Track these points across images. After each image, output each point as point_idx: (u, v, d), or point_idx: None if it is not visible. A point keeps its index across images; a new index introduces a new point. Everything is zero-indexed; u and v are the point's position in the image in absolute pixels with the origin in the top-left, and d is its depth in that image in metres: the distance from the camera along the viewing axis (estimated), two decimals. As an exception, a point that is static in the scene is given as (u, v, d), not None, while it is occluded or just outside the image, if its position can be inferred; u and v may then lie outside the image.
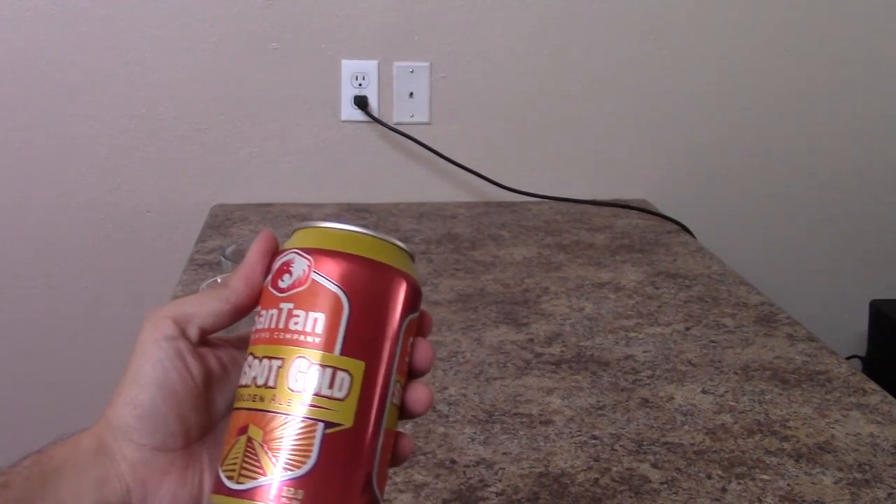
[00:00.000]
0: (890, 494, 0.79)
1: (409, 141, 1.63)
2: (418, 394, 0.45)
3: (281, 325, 0.42)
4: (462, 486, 0.80)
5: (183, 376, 0.44)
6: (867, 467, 0.83)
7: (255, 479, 0.40)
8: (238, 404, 0.43)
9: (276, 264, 0.44)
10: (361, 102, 1.62)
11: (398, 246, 0.45)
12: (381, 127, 1.64)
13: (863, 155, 1.77)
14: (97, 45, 1.56)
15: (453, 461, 0.83)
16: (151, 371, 0.43)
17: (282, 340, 0.42)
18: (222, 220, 1.55)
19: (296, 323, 0.42)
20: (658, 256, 1.41)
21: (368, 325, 0.42)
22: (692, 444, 0.87)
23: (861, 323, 1.74)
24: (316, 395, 0.41)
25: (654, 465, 0.83)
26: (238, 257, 0.90)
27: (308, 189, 1.66)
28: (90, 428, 0.45)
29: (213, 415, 0.46)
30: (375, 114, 1.64)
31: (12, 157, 1.59)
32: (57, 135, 1.59)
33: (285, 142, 1.64)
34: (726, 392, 0.98)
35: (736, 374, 1.02)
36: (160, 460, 0.44)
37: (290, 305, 0.42)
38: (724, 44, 1.68)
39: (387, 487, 0.80)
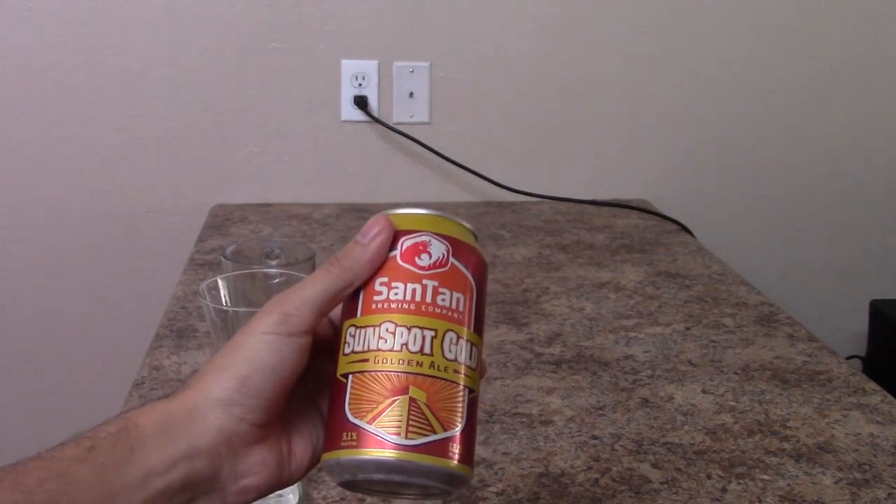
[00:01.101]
0: (890, 494, 0.79)
1: (409, 141, 1.63)
2: (484, 365, 0.50)
3: (429, 300, 0.46)
4: (462, 486, 0.80)
5: (297, 368, 0.46)
6: (867, 467, 0.83)
7: (425, 435, 0.44)
8: (383, 366, 0.45)
9: (408, 242, 0.48)
10: (361, 102, 1.62)
11: (476, 234, 0.52)
12: (381, 127, 1.64)
13: (863, 155, 1.77)
14: (97, 45, 1.56)
15: (453, 461, 0.83)
16: (269, 359, 0.44)
17: (432, 314, 0.46)
18: (222, 220, 1.55)
19: (443, 300, 0.47)
20: (658, 256, 1.41)
21: (481, 306, 0.49)
22: (692, 444, 0.87)
23: (861, 323, 1.74)
24: (465, 364, 0.47)
25: (654, 465, 0.83)
26: (238, 257, 0.90)
27: (308, 189, 1.66)
28: (175, 396, 0.45)
29: (297, 397, 0.48)
30: (375, 114, 1.64)
31: (12, 157, 1.59)
32: (57, 135, 1.59)
33: (285, 142, 1.64)
34: (726, 392, 0.98)
35: (736, 374, 1.02)
36: (255, 432, 0.45)
37: (436, 283, 0.47)
38: (724, 44, 1.68)
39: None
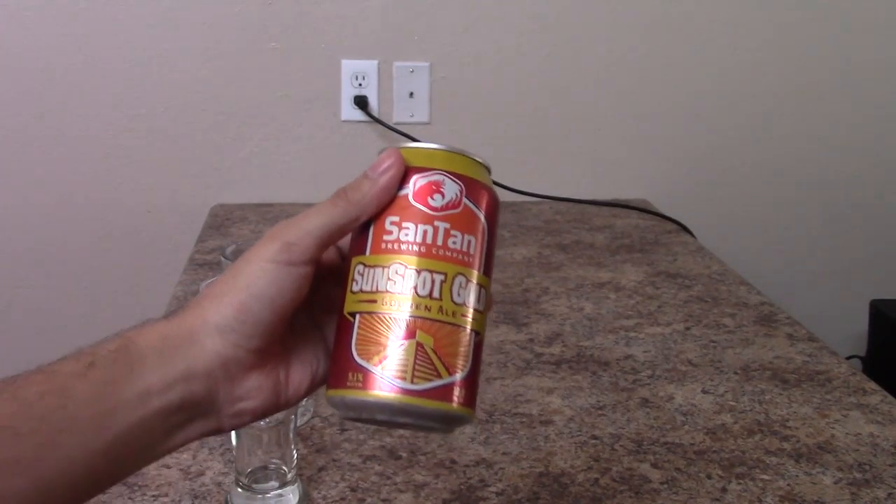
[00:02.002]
0: (890, 494, 0.79)
1: (410, 141, 1.63)
2: (490, 300, 0.50)
3: (440, 243, 0.46)
4: (462, 486, 0.80)
5: (296, 298, 0.45)
6: (867, 467, 0.83)
7: (430, 380, 0.45)
8: (391, 309, 0.45)
9: (420, 181, 0.47)
10: (361, 102, 1.62)
11: (490, 168, 0.50)
12: (381, 127, 1.64)
13: (863, 155, 1.77)
14: (97, 45, 1.56)
15: (453, 461, 0.83)
16: (268, 288, 0.44)
17: (442, 257, 0.46)
18: (222, 220, 1.55)
19: (454, 243, 0.46)
20: (658, 256, 1.41)
21: (492, 248, 0.49)
22: (692, 444, 0.87)
23: (861, 323, 1.74)
24: (473, 308, 0.47)
25: (654, 465, 0.83)
26: (238, 257, 0.90)
27: (308, 189, 1.66)
28: (174, 317, 0.45)
29: (300, 322, 0.48)
30: (375, 114, 1.64)
31: (12, 157, 1.59)
32: (57, 135, 1.59)
33: (285, 142, 1.64)
34: (726, 392, 0.98)
35: (736, 374, 1.02)
36: (252, 358, 0.45)
37: (447, 225, 0.46)
38: (724, 44, 1.68)
39: (386, 488, 0.80)
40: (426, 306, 0.45)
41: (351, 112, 1.63)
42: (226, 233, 1.49)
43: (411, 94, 1.64)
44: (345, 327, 0.46)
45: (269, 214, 1.58)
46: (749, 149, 1.74)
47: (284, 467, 0.75)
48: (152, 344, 0.44)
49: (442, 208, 0.46)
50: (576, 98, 1.68)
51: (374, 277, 0.46)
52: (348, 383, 0.45)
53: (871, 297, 1.72)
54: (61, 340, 1.67)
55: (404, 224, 0.46)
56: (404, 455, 0.84)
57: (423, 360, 0.44)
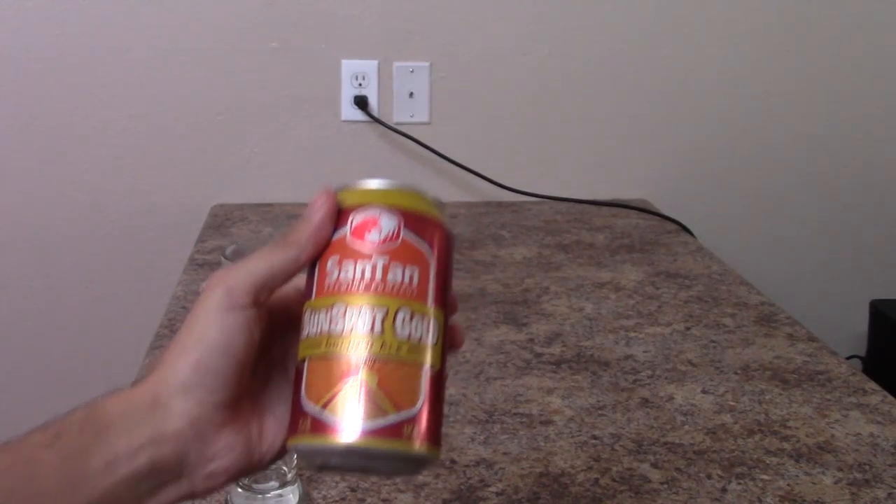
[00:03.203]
0: (890, 494, 0.79)
1: (409, 141, 1.63)
2: (457, 334, 0.49)
3: (378, 278, 0.45)
4: (462, 486, 0.80)
5: (248, 342, 0.45)
6: (867, 467, 0.83)
7: (377, 418, 0.43)
8: (335, 350, 0.45)
9: (356, 219, 0.47)
10: (361, 102, 1.62)
11: (441, 204, 0.50)
12: (381, 127, 1.64)
13: (863, 155, 1.77)
14: (97, 45, 1.56)
15: (453, 461, 0.83)
16: (219, 336, 0.44)
17: (383, 292, 0.45)
18: (222, 220, 1.55)
19: (394, 276, 0.45)
20: (658, 256, 1.41)
21: (444, 278, 0.48)
22: (692, 444, 0.87)
23: (861, 323, 1.74)
24: (419, 341, 0.45)
25: (654, 465, 0.83)
26: (238, 257, 0.90)
27: (308, 189, 1.64)
28: (139, 384, 0.45)
29: (267, 365, 0.48)
30: (375, 114, 1.64)
31: (12, 157, 1.59)
32: (57, 135, 1.59)
33: (285, 142, 1.64)
34: (726, 392, 0.98)
35: (736, 374, 1.02)
36: (219, 414, 0.45)
37: (386, 259, 0.46)
38: (724, 44, 1.68)
39: (386, 488, 0.80)
40: (369, 343, 0.44)
41: (351, 112, 1.63)
42: (226, 233, 1.49)
43: (411, 94, 1.64)
44: (297, 375, 0.46)
45: (269, 214, 1.58)
46: (749, 149, 1.74)
47: (284, 467, 0.75)
48: (119, 410, 0.44)
49: (380, 243, 0.46)
50: (576, 98, 1.67)
51: (318, 321, 0.45)
52: (298, 430, 0.45)
53: (871, 297, 1.72)
54: (61, 340, 1.67)
55: (344, 263, 0.46)
56: (404, 455, 0.84)
57: (369, 398, 0.43)
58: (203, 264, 1.34)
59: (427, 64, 1.63)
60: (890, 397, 0.97)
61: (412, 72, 1.63)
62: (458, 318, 0.49)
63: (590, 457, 0.85)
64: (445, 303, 0.47)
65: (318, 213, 0.47)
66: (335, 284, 0.46)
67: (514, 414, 0.92)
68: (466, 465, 0.83)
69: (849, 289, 1.81)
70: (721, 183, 1.74)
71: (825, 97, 1.73)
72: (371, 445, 0.43)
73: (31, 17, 1.54)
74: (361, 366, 0.44)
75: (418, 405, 0.44)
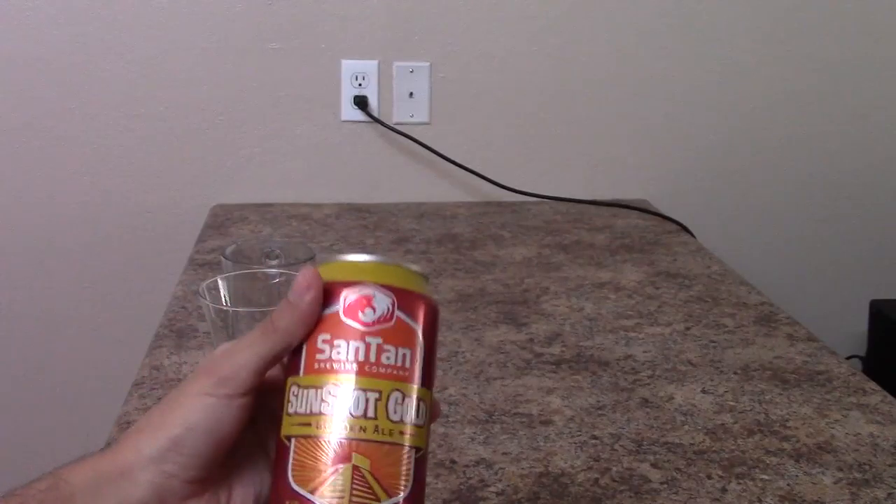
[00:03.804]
0: (890, 494, 0.79)
1: (409, 141, 1.63)
2: (436, 405, 0.49)
3: (372, 359, 0.44)
4: (462, 486, 0.80)
5: (232, 429, 0.45)
6: (867, 467, 0.83)
7: None
8: (325, 432, 0.44)
9: (350, 296, 0.46)
10: (361, 102, 1.62)
11: (428, 278, 0.49)
12: (381, 127, 1.64)
13: (863, 155, 1.77)
14: (97, 45, 1.56)
15: (453, 461, 0.83)
16: (204, 421, 0.44)
17: (376, 374, 0.44)
18: (222, 220, 1.55)
19: (388, 358, 0.45)
20: (658, 256, 1.41)
21: (431, 357, 0.47)
22: (692, 444, 0.87)
23: (861, 323, 1.74)
24: (410, 424, 0.45)
25: (654, 465, 0.83)
26: (238, 257, 0.90)
27: (308, 189, 1.66)
28: (107, 451, 0.45)
29: (243, 442, 0.47)
30: (375, 114, 1.64)
31: (12, 157, 1.59)
32: (57, 135, 1.59)
33: (285, 142, 1.64)
34: (726, 392, 0.98)
35: (736, 374, 1.02)
36: (188, 488, 0.44)
37: (380, 340, 0.45)
38: (724, 44, 1.68)
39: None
40: (361, 427, 0.43)
41: (351, 112, 1.63)
42: (226, 233, 1.49)
43: (411, 94, 1.64)
44: (282, 452, 0.45)
45: (269, 214, 1.58)
46: (749, 149, 1.74)
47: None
48: (84, 480, 0.43)
49: (373, 323, 0.45)
50: (576, 98, 1.67)
51: (307, 399, 0.44)
52: None
53: (871, 297, 1.72)
54: (61, 340, 1.67)
55: (335, 342, 0.45)
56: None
57: (360, 483, 0.43)
58: (203, 264, 1.34)
59: (427, 64, 1.63)
60: (890, 397, 0.97)
61: (412, 72, 1.63)
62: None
63: (590, 457, 0.85)
64: (433, 382, 0.47)
65: (306, 297, 0.45)
66: (326, 363, 0.45)
67: (514, 414, 0.92)
68: (466, 465, 0.83)
69: (849, 289, 1.81)
70: (721, 183, 1.74)
71: (825, 97, 1.73)
72: None
73: (31, 17, 1.54)
74: (353, 450, 0.43)
75: (407, 490, 0.44)
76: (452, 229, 1.53)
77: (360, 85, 1.63)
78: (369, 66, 1.62)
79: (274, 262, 0.92)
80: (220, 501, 0.46)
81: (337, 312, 0.45)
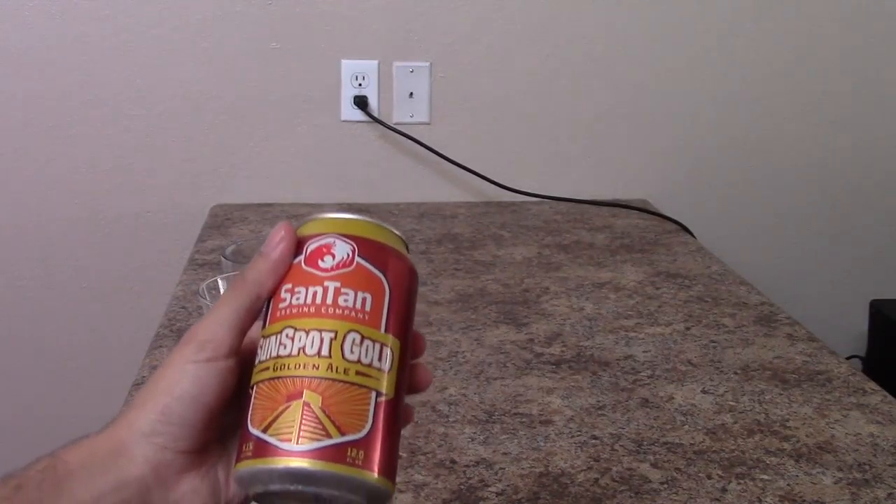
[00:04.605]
0: (890, 494, 0.79)
1: (409, 141, 1.63)
2: (422, 373, 0.48)
3: (329, 301, 0.45)
4: (462, 486, 0.80)
5: (221, 392, 0.45)
6: (867, 467, 0.83)
7: (319, 440, 0.42)
8: (281, 372, 0.44)
9: (312, 246, 0.47)
10: (361, 102, 1.62)
11: (404, 239, 0.49)
12: (381, 127, 1.64)
13: (863, 155, 1.77)
14: (97, 46, 1.56)
15: (453, 461, 0.84)
16: (189, 387, 0.44)
17: (332, 315, 0.44)
18: (222, 220, 1.55)
19: (345, 300, 0.45)
20: (658, 256, 1.41)
21: (402, 308, 0.47)
22: (692, 444, 0.87)
23: (861, 323, 1.74)
24: (369, 365, 0.44)
25: (654, 465, 0.83)
26: (238, 257, 0.90)
27: (308, 189, 1.66)
28: (103, 430, 0.45)
29: (235, 407, 0.47)
30: (375, 114, 1.64)
31: (12, 157, 1.59)
32: (56, 135, 1.59)
33: (285, 142, 1.64)
34: (726, 392, 0.98)
35: (736, 374, 1.02)
36: (182, 460, 0.45)
37: (338, 283, 0.45)
38: (724, 44, 1.68)
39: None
40: (314, 364, 0.43)
41: (351, 112, 1.63)
42: (226, 233, 1.49)
43: (411, 94, 1.64)
44: (246, 401, 0.45)
45: (269, 214, 1.58)
46: (749, 149, 1.74)
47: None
48: (81, 459, 0.43)
49: (332, 268, 0.46)
50: (576, 98, 1.67)
51: (268, 346, 0.45)
52: (241, 455, 0.44)
53: (871, 297, 1.72)
54: (62, 340, 1.67)
55: (296, 289, 0.45)
56: (404, 455, 0.84)
57: (310, 419, 0.42)
58: (203, 264, 1.34)
59: (427, 64, 1.63)
60: (890, 397, 0.97)
61: (412, 72, 1.63)
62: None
63: (590, 457, 0.85)
64: (404, 334, 0.47)
65: (278, 247, 0.46)
66: (286, 309, 0.45)
67: (514, 414, 0.92)
68: (466, 465, 0.83)
69: (849, 289, 1.81)
70: (721, 183, 1.74)
71: (825, 97, 1.73)
72: (310, 467, 0.42)
73: (30, 17, 1.54)
74: (305, 387, 0.43)
75: (365, 430, 0.43)
76: (452, 229, 1.53)
77: (360, 85, 1.63)
78: (369, 66, 1.62)
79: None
80: (219, 477, 0.46)
81: (300, 262, 0.46)
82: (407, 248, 0.49)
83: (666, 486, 0.80)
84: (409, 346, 0.47)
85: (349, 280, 0.45)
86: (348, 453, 0.42)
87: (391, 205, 1.65)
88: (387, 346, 0.45)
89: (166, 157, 1.62)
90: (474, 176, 1.65)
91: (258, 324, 0.47)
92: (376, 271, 0.46)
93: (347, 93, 1.63)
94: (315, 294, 0.45)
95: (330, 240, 0.46)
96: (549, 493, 0.79)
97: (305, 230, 0.47)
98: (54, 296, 1.66)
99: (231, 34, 1.58)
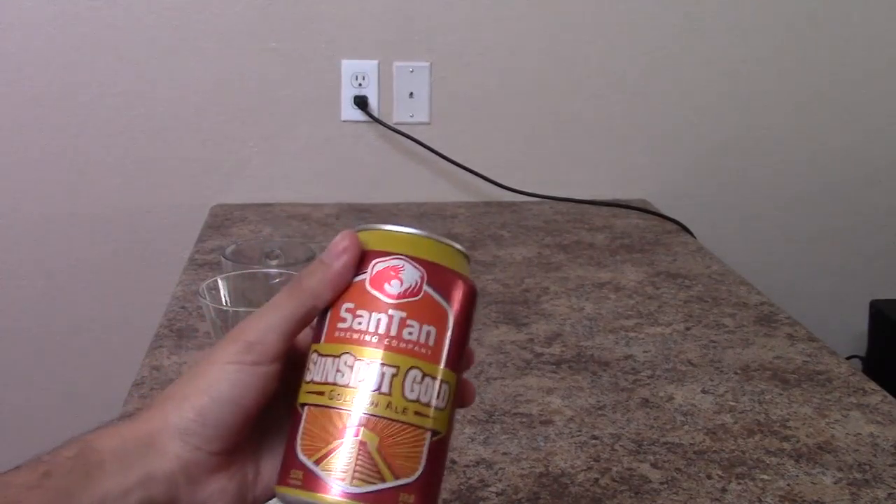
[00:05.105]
0: (890, 494, 0.79)
1: (409, 141, 1.63)
2: (467, 389, 0.47)
3: (393, 333, 0.43)
4: (462, 486, 0.80)
5: (261, 396, 0.44)
6: (867, 467, 0.83)
7: (373, 483, 0.42)
8: (337, 403, 0.43)
9: (378, 266, 0.44)
10: (361, 102, 1.62)
11: (468, 256, 0.48)
12: (381, 127, 1.64)
13: (863, 155, 1.77)
14: (97, 46, 1.56)
15: (453, 461, 0.84)
16: (230, 391, 0.43)
17: (396, 349, 0.43)
18: (222, 220, 1.55)
19: (410, 333, 0.43)
20: (658, 256, 1.41)
21: (461, 339, 0.45)
22: (692, 444, 0.87)
23: (861, 323, 1.74)
24: (427, 405, 0.43)
25: (654, 465, 0.83)
26: (238, 257, 0.90)
27: (308, 189, 1.66)
28: (135, 419, 0.44)
29: (273, 415, 0.46)
30: (375, 114, 1.64)
31: (12, 158, 1.59)
32: (57, 135, 1.59)
33: (285, 142, 1.64)
34: (726, 392, 0.98)
35: (736, 374, 1.02)
36: (213, 460, 0.44)
37: (403, 314, 0.43)
38: (724, 44, 1.68)
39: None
40: (373, 402, 0.42)
41: (351, 112, 1.63)
42: (226, 233, 1.49)
43: (411, 94, 1.64)
44: (295, 420, 0.44)
45: (269, 214, 1.58)
46: (749, 149, 1.74)
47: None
48: (111, 448, 0.43)
49: (399, 296, 0.44)
50: (576, 98, 1.67)
51: (324, 367, 0.43)
52: (290, 480, 0.43)
53: (871, 297, 1.72)
54: (61, 340, 1.67)
55: (358, 312, 0.44)
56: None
57: (365, 460, 0.42)
58: (203, 264, 1.34)
59: (427, 64, 1.63)
60: (890, 397, 0.97)
61: (412, 72, 1.63)
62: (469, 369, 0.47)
63: (590, 457, 0.85)
64: (460, 365, 0.45)
65: (341, 259, 0.44)
66: (347, 332, 0.43)
67: (514, 414, 0.92)
68: (466, 465, 0.83)
69: (849, 289, 1.81)
70: (721, 183, 1.74)
71: (825, 97, 1.73)
72: None
73: (30, 17, 1.54)
74: (362, 424, 0.42)
75: (418, 473, 0.42)
76: (452, 229, 1.53)
77: (360, 85, 1.63)
78: (369, 66, 1.62)
79: (274, 262, 0.92)
80: (248, 475, 0.46)
81: (364, 281, 0.44)
82: (469, 261, 0.47)
83: (666, 486, 0.80)
84: (462, 371, 0.46)
85: (415, 311, 0.44)
86: (399, 498, 0.42)
87: (391, 205, 1.65)
88: (445, 382, 0.44)
89: (166, 157, 1.62)
90: (474, 176, 1.65)
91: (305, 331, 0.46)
92: (443, 302, 0.44)
93: (347, 93, 1.63)
94: (379, 322, 0.43)
95: (398, 262, 0.44)
96: (549, 493, 0.79)
97: (371, 243, 0.45)
98: (54, 295, 1.65)
99: (231, 34, 1.58)
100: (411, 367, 0.43)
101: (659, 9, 1.65)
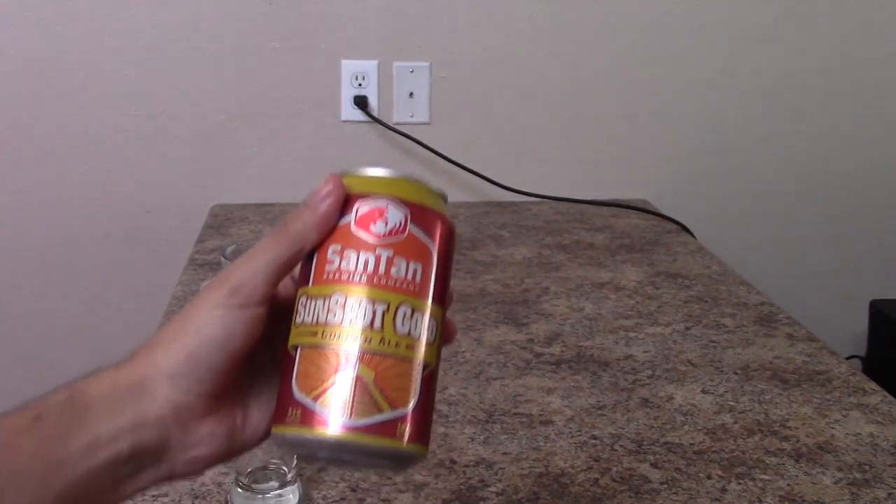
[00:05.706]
0: (890, 494, 0.79)
1: (409, 141, 1.63)
2: (451, 326, 0.48)
3: (381, 271, 0.44)
4: (462, 486, 0.80)
5: (248, 339, 0.44)
6: (867, 467, 0.83)
7: (371, 416, 0.43)
8: (330, 341, 0.44)
9: (363, 208, 0.46)
10: (361, 102, 1.62)
11: (445, 196, 0.50)
12: (381, 127, 1.64)
13: (863, 155, 1.77)
14: (97, 45, 1.56)
15: (453, 461, 0.83)
16: (217, 333, 0.43)
17: (385, 286, 0.44)
18: (222, 220, 1.55)
19: (397, 271, 0.45)
20: (658, 256, 1.41)
21: (445, 276, 0.47)
22: (692, 444, 0.87)
23: (861, 323, 1.74)
24: (418, 339, 0.45)
25: (654, 465, 0.83)
26: (238, 257, 0.90)
27: (308, 189, 1.63)
28: (125, 363, 0.45)
29: (256, 352, 0.46)
30: (375, 114, 1.64)
31: (12, 157, 1.59)
32: (57, 135, 1.59)
33: (285, 142, 1.64)
34: (726, 392, 0.98)
35: (736, 374, 1.02)
36: (203, 403, 0.44)
37: (390, 252, 0.45)
38: (724, 44, 1.68)
39: (386, 488, 0.80)
40: (367, 338, 0.43)
41: (351, 112, 1.63)
42: (226, 233, 1.49)
43: (411, 94, 1.64)
44: (287, 362, 0.45)
45: (269, 214, 1.58)
46: (749, 149, 1.74)
47: (284, 467, 0.75)
48: (101, 392, 0.43)
49: (385, 235, 0.45)
50: (576, 98, 1.67)
51: (315, 309, 0.44)
52: (287, 419, 0.44)
53: (871, 297, 1.72)
54: (61, 340, 1.67)
55: (346, 252, 0.45)
56: (404, 455, 0.84)
57: (363, 394, 0.43)
58: (203, 264, 1.34)
59: (427, 64, 1.63)
60: (890, 397, 0.97)
61: (412, 72, 1.63)
62: (453, 315, 0.49)
63: (590, 457, 0.85)
64: (445, 299, 0.47)
65: (326, 201, 0.45)
66: (335, 273, 0.45)
67: (514, 414, 0.92)
68: (466, 465, 0.83)
69: (849, 289, 1.81)
70: (721, 183, 1.74)
71: (825, 97, 1.73)
72: (362, 441, 0.43)
73: (30, 17, 1.54)
74: (358, 360, 0.43)
75: (412, 403, 0.44)
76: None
77: (360, 85, 1.63)
78: (369, 66, 1.62)
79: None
80: (236, 420, 0.46)
81: (349, 223, 0.45)
82: (446, 202, 0.49)
83: (666, 486, 0.80)
84: (447, 309, 0.47)
85: (401, 249, 0.45)
86: (397, 428, 0.43)
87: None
88: (433, 317, 0.46)
89: (166, 157, 1.62)
90: (474, 176, 1.65)
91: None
92: (427, 240, 0.46)
93: (347, 93, 1.63)
94: (367, 262, 0.44)
95: (382, 203, 0.45)
96: (549, 493, 0.79)
97: (354, 186, 0.46)
98: (55, 296, 1.65)
99: (231, 34, 1.58)
100: (401, 304, 0.44)
101: (659, 9, 1.65)
